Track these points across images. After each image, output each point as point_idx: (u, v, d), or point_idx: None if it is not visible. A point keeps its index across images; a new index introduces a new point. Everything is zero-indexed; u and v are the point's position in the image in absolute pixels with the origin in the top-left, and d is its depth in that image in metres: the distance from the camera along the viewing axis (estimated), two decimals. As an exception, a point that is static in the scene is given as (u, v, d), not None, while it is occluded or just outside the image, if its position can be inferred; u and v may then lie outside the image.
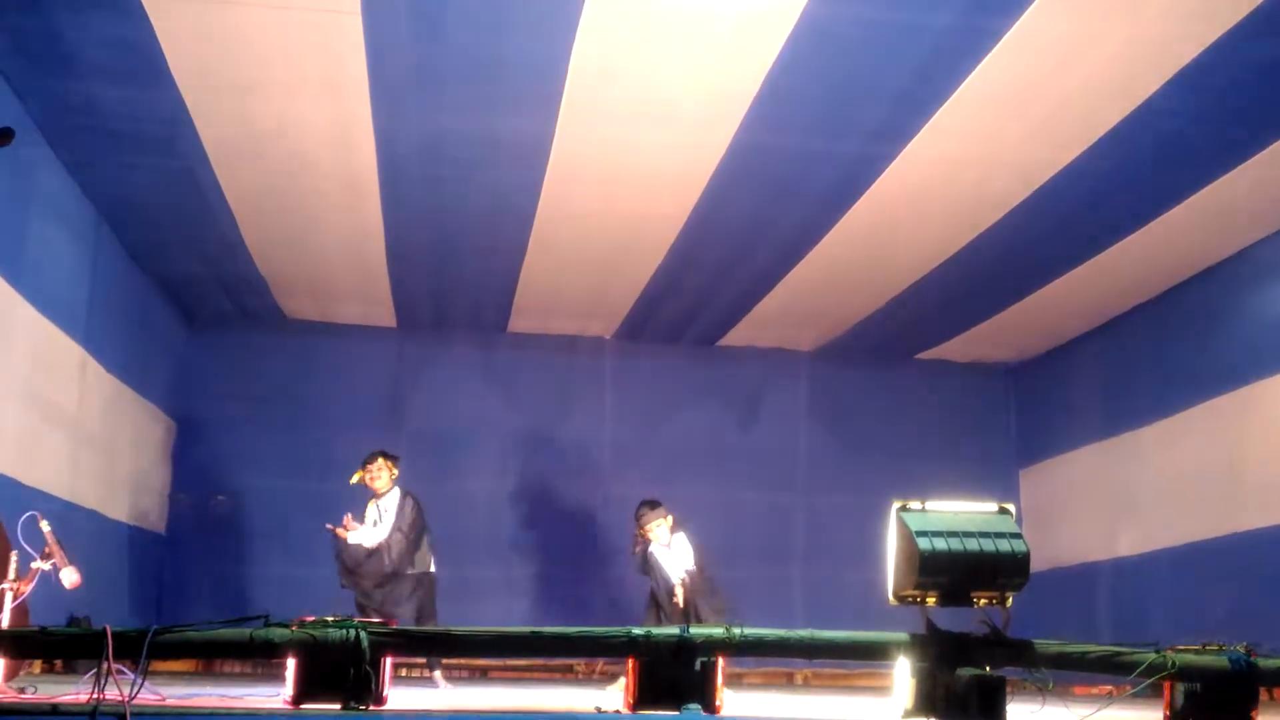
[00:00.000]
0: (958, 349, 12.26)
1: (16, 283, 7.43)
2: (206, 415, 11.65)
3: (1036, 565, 11.28)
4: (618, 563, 11.41)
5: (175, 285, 10.88)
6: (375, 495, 8.66)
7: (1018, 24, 6.23)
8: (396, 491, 8.67)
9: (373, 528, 8.55)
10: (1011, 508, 4.55)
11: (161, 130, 7.63)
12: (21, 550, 5.47)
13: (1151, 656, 4.49)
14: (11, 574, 5.26)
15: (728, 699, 4.42)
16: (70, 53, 6.70)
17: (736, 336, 12.08)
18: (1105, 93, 6.95)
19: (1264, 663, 4.59)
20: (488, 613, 10.80)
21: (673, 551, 8.62)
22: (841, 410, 12.48)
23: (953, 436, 12.32)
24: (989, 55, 6.55)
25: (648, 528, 8.64)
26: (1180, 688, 4.57)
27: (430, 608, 8.52)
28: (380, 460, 8.68)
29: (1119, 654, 4.56)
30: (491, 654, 7.51)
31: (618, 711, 4.28)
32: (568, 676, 10.57)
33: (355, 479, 8.71)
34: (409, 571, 8.53)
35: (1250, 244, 9.08)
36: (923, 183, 8.20)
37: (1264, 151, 7.52)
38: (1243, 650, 4.59)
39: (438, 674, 8.44)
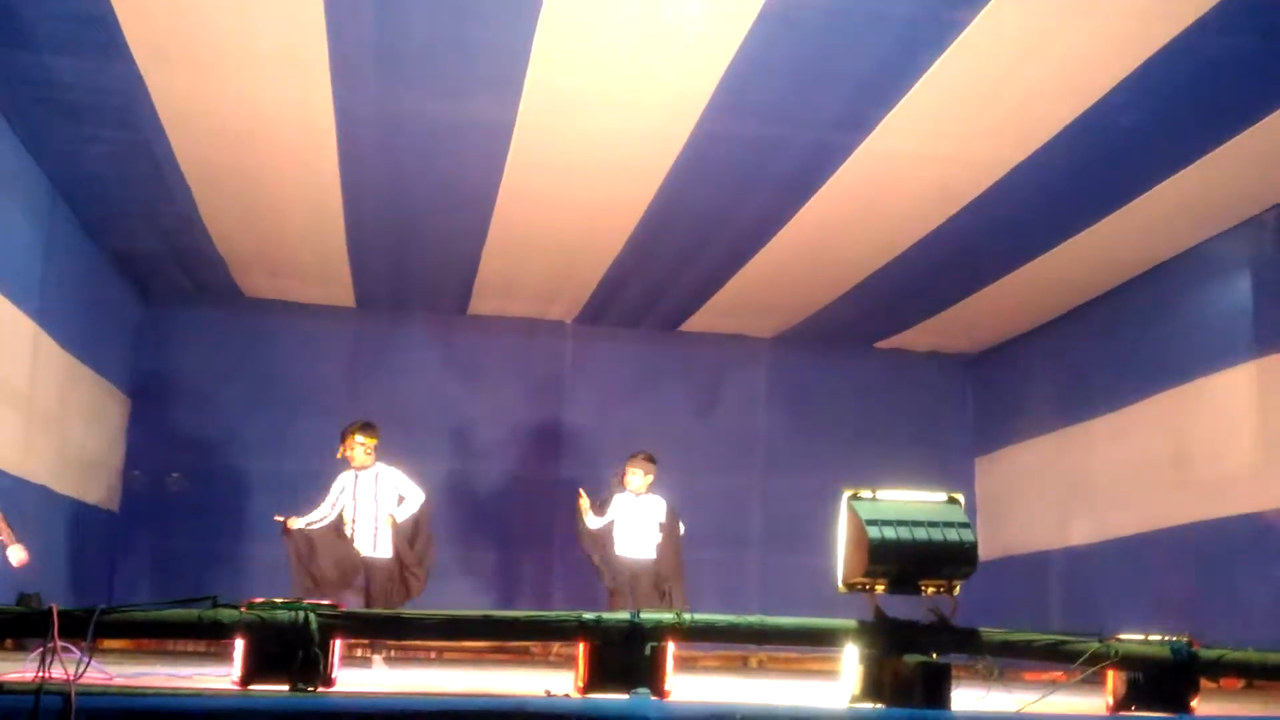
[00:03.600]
0: (916, 338, 12.35)
1: (-33, 256, 7.35)
2: (162, 393, 11.55)
3: (990, 553, 11.58)
4: (576, 547, 11.46)
5: (132, 261, 10.76)
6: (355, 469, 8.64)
7: (978, 18, 6.27)
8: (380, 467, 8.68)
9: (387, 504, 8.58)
10: (961, 498, 4.58)
11: (118, 104, 7.53)
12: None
13: (1094, 645, 4.54)
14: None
15: (680, 683, 4.44)
16: (25, 25, 6.60)
17: (697, 322, 12.11)
18: (1062, 89, 7.02)
19: (1205, 653, 4.66)
20: (445, 595, 10.81)
21: (638, 505, 9.08)
22: (801, 397, 12.55)
23: (910, 424, 12.42)
24: (949, 49, 6.59)
25: (627, 469, 9.13)
26: (1123, 676, 4.64)
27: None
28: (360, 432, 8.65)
29: (1063, 643, 4.61)
30: (442, 637, 7.50)
31: (567, 695, 4.29)
32: (523, 659, 10.58)
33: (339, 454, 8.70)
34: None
35: (1201, 241, 9.21)
36: (882, 174, 8.25)
37: (1216, 150, 7.62)
38: (1185, 641, 4.65)
39: (377, 656, 8.41)
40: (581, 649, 4.37)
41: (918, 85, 6.99)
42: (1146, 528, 9.72)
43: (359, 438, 8.58)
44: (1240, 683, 6.77)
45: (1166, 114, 7.24)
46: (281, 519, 8.49)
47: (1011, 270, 10.06)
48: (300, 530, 8.45)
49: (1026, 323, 11.62)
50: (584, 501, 9.18)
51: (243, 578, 9.90)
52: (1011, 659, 4.78)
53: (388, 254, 10.44)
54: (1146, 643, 4.66)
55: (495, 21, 6.48)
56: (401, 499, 8.69)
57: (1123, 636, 4.73)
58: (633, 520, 9.15)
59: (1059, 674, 5.23)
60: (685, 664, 4.55)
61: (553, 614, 4.52)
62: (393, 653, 8.79)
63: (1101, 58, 6.65)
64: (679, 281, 10.87)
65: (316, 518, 8.55)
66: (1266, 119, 7.19)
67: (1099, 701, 4.81)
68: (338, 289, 11.45)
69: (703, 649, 10.12)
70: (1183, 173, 7.97)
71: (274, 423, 11.47)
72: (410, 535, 8.70)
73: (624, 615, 4.40)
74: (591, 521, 9.18)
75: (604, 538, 9.20)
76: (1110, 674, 4.69)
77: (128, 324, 11.38)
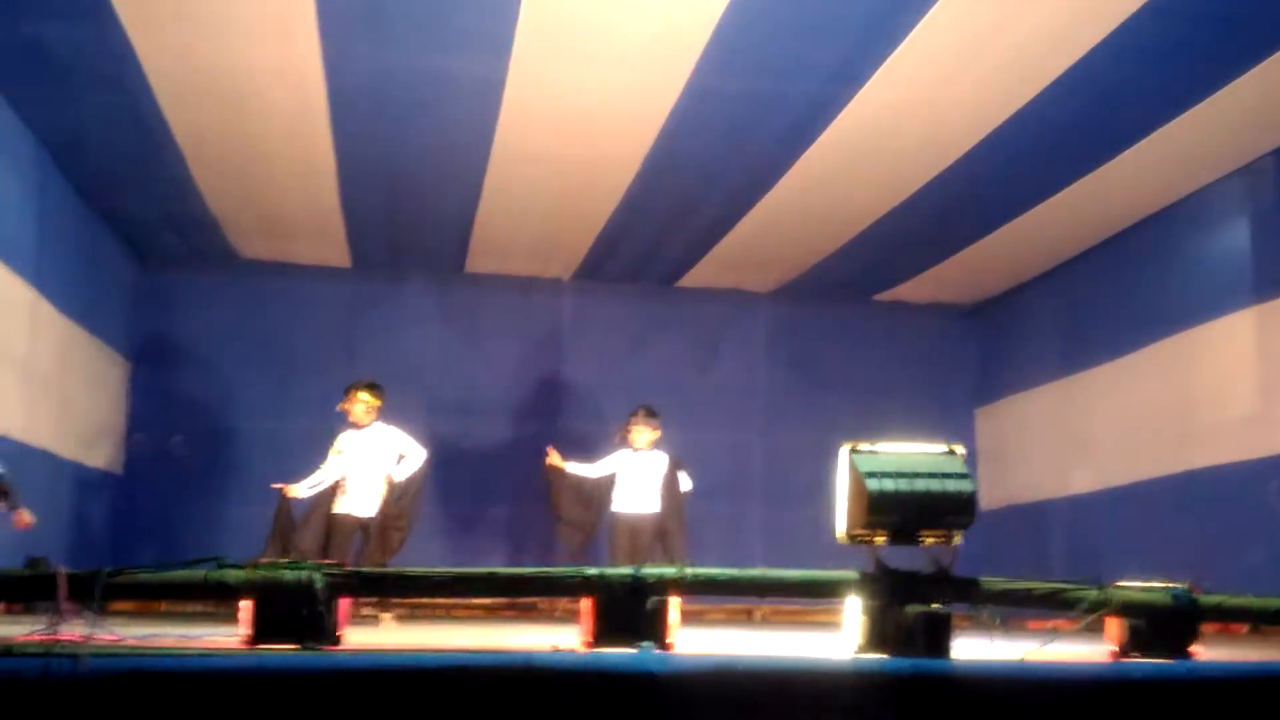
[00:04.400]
0: (915, 290, 12.33)
1: (-38, 222, 7.32)
2: (162, 355, 11.56)
3: (992, 503, 11.61)
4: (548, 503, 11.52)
5: (127, 225, 10.72)
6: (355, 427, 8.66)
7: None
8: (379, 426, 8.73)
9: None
10: (961, 449, 4.59)
11: (107, 67, 7.48)
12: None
13: (1094, 593, 4.57)
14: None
15: (685, 636, 4.47)
16: (14, -11, 6.56)
17: (695, 277, 12.08)
18: (1055, 37, 6.97)
19: (1205, 599, 4.69)
20: (450, 553, 10.87)
21: (640, 460, 9.16)
22: (800, 350, 12.55)
23: (910, 376, 12.43)
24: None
25: (631, 426, 9.19)
26: (1124, 623, 4.67)
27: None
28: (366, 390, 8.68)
29: (1062, 590, 4.64)
30: (448, 595, 7.55)
31: (573, 650, 4.32)
32: (531, 615, 10.64)
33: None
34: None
35: (1201, 186, 9.17)
36: (878, 125, 8.20)
37: (1213, 95, 7.58)
38: (1185, 587, 4.68)
39: (386, 615, 8.48)
40: (586, 604, 4.41)
41: (911, 35, 6.94)
42: (1148, 475, 9.74)
43: (362, 394, 8.64)
44: (1245, 628, 6.83)
45: (1160, 62, 7.20)
46: (279, 486, 8.53)
47: (1010, 219, 10.03)
48: (289, 501, 8.50)
49: (1026, 272, 11.60)
50: (555, 456, 9.23)
51: (246, 539, 9.87)
52: (1012, 607, 4.81)
53: (382, 213, 10.41)
54: (1147, 590, 4.69)
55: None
56: (401, 457, 8.73)
57: (1123, 584, 4.76)
58: (634, 476, 9.20)
59: (1062, 622, 5.27)
60: (691, 618, 4.58)
61: (557, 570, 4.54)
62: (402, 611, 8.86)
63: (1094, 6, 6.60)
64: (676, 236, 10.84)
65: (316, 480, 8.59)
66: (1260, 65, 7.15)
67: (1102, 649, 4.85)
68: (333, 249, 11.42)
69: (708, 603, 10.17)
70: (1179, 119, 7.93)
71: (273, 384, 11.48)
72: (399, 491, 8.72)
73: (627, 570, 4.43)
74: (590, 470, 9.21)
75: (604, 490, 9.25)
76: (1112, 621, 4.72)
77: (125, 288, 11.36)
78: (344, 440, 8.72)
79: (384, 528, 8.63)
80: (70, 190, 9.51)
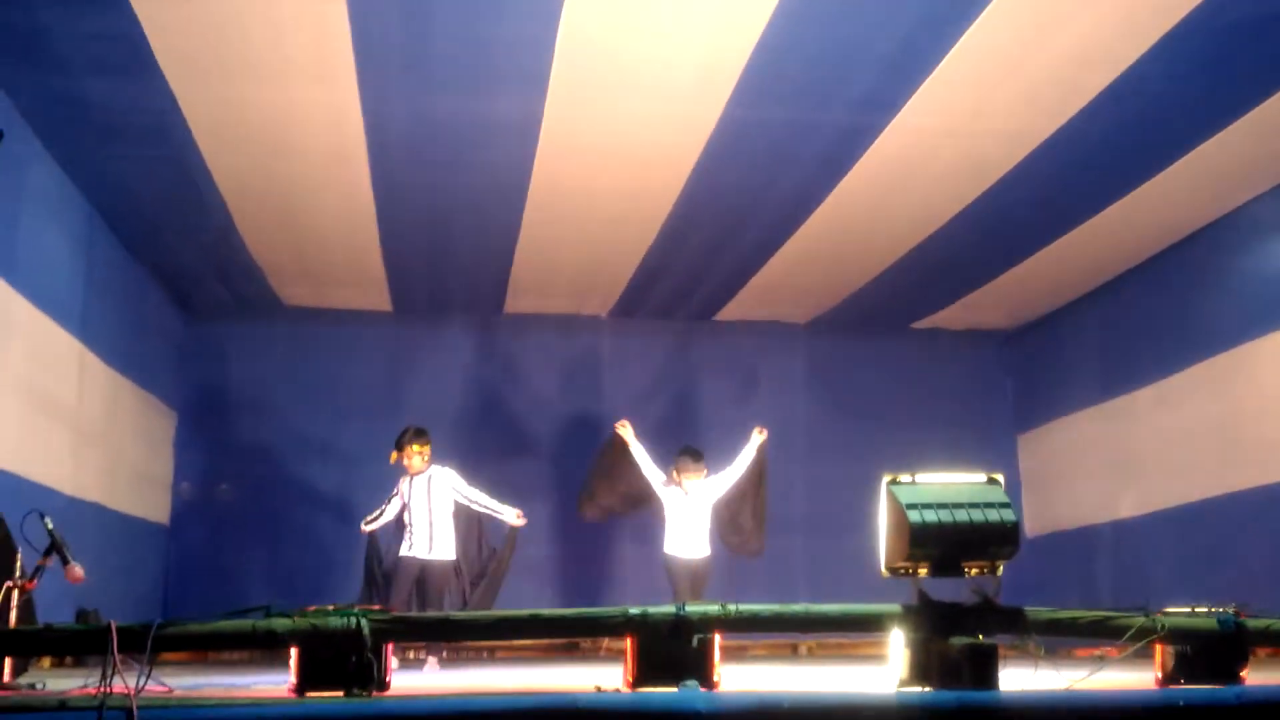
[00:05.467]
0: (953, 317, 12.29)
1: (12, 278, 7.47)
2: (208, 405, 11.72)
3: (1036, 529, 11.51)
4: (620, 540, 11.52)
5: (172, 276, 10.90)
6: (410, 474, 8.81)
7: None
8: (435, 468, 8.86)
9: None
10: (1001, 478, 4.59)
11: (151, 120, 7.64)
12: (26, 548, 5.52)
13: (1141, 620, 4.54)
14: (18, 573, 5.31)
15: (728, 672, 4.48)
16: (57, 47, 6.72)
17: (732, 311, 12.11)
18: (1092, 56, 6.95)
19: (1253, 623, 4.65)
20: (500, 593, 10.88)
21: (689, 503, 9.03)
22: (839, 382, 12.53)
23: (950, 404, 12.37)
24: (975, 22, 6.55)
25: (679, 473, 9.04)
26: (1171, 650, 4.63)
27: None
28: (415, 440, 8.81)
29: (1109, 619, 4.61)
30: (491, 637, 7.60)
31: (617, 690, 4.34)
32: (573, 654, 10.65)
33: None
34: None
35: (1242, 203, 9.10)
36: (912, 152, 8.22)
37: (1252, 111, 7.53)
38: (1232, 612, 4.64)
39: (431, 658, 8.58)
40: (629, 643, 4.42)
41: (946, 59, 6.95)
42: (1194, 498, 9.63)
43: (414, 447, 8.71)
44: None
45: (1199, 78, 7.16)
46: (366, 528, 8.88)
47: (1049, 242, 9.99)
48: (378, 544, 8.82)
49: (1065, 295, 11.54)
50: (628, 428, 9.21)
51: (293, 585, 10.04)
52: (1058, 637, 4.78)
53: (422, 256, 10.52)
54: (1193, 615, 4.65)
55: (518, 15, 6.50)
56: (459, 495, 8.85)
57: (1170, 610, 4.73)
58: (685, 519, 9.04)
59: (1109, 649, 5.22)
60: (734, 653, 4.59)
61: (599, 610, 4.56)
62: (445, 654, 8.91)
63: (1131, 23, 6.57)
64: (712, 270, 10.88)
65: (374, 515, 8.82)
66: (1303, 77, 7.11)
67: (1148, 676, 4.81)
68: (375, 294, 11.55)
69: (751, 638, 10.14)
70: (1219, 136, 7.87)
71: (318, 430, 11.60)
72: (475, 545, 8.97)
73: (670, 609, 4.44)
74: (647, 462, 9.15)
75: (638, 490, 9.30)
76: (1158, 648, 4.68)
77: (171, 339, 11.54)
78: (401, 485, 8.82)
79: (462, 585, 8.87)
80: (116, 244, 9.70)
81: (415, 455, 8.68)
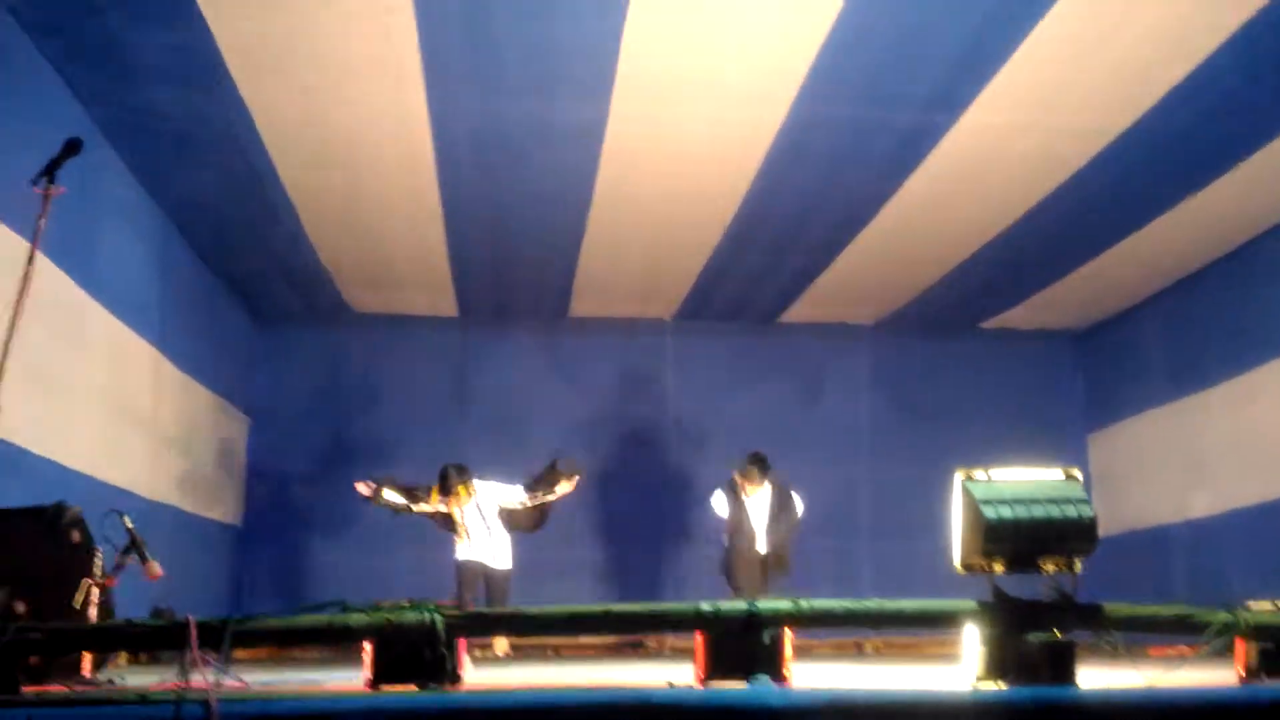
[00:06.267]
0: (1021, 316, 12.15)
1: (90, 287, 7.62)
2: (279, 409, 11.89)
3: (1109, 530, 11.32)
4: (685, 542, 11.51)
5: (243, 283, 11.08)
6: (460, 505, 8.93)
7: (1070, -15, 6.17)
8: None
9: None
10: (1078, 473, 4.52)
11: (222, 131, 7.78)
12: (106, 547, 5.62)
13: (1223, 616, 4.46)
14: (98, 571, 5.41)
15: (797, 670, 4.46)
16: (131, 59, 6.86)
17: (797, 313, 12.07)
18: (1164, 51, 6.83)
19: (1339, 619, 4.54)
20: (559, 593, 10.93)
21: (752, 502, 9.23)
22: (906, 382, 12.44)
23: (1019, 404, 12.24)
24: (1043, 19, 6.48)
25: (744, 481, 9.23)
26: (1253, 646, 4.54)
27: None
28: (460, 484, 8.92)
29: (1190, 615, 4.53)
30: (564, 633, 7.62)
31: (689, 686, 4.33)
32: (639, 653, 10.64)
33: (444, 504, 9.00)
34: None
35: (1318, 197, 8.92)
36: (980, 151, 8.14)
37: (1327, 105, 7.39)
38: (1314, 605, 4.55)
39: (499, 653, 8.76)
40: (699, 640, 4.41)
41: (1015, 56, 6.87)
42: (1270, 497, 9.45)
43: (460, 488, 8.86)
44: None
45: (1273, 71, 7.01)
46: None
47: (1120, 240, 9.85)
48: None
49: (1136, 294, 11.37)
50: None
51: (361, 587, 10.09)
52: (1138, 634, 4.71)
53: (488, 260, 10.59)
54: (1276, 611, 4.56)
55: (583, 19, 6.54)
56: (510, 504, 8.95)
57: (1252, 605, 4.64)
58: (750, 519, 9.26)
59: (1185, 649, 5.13)
60: (800, 652, 4.55)
61: (670, 605, 4.56)
62: (512, 651, 8.99)
63: (1204, 15, 6.46)
64: (777, 271, 10.84)
65: (385, 497, 8.97)
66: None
67: (1229, 674, 4.71)
68: (442, 299, 11.65)
69: (817, 636, 10.09)
70: (1293, 130, 7.73)
71: (387, 433, 11.70)
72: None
73: (741, 605, 4.43)
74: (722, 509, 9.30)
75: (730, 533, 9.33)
76: (1240, 644, 4.59)
77: (243, 344, 11.72)
78: (454, 509, 8.96)
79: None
80: (190, 253, 9.87)
81: (463, 494, 8.80)
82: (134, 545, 5.66)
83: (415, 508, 8.99)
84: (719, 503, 9.46)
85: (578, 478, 9.12)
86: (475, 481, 8.93)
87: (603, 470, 11.93)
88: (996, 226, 9.59)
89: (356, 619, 4.24)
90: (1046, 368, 12.65)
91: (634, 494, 11.93)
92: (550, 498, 9.05)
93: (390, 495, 8.92)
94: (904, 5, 6.44)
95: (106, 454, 7.92)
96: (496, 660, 8.60)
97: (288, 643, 6.31)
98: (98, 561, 5.41)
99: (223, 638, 4.16)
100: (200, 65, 6.89)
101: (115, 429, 8.23)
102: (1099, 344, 12.46)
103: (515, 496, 8.99)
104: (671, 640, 10.03)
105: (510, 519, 9.09)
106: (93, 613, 5.33)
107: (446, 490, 8.82)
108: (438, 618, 4.23)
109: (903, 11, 6.48)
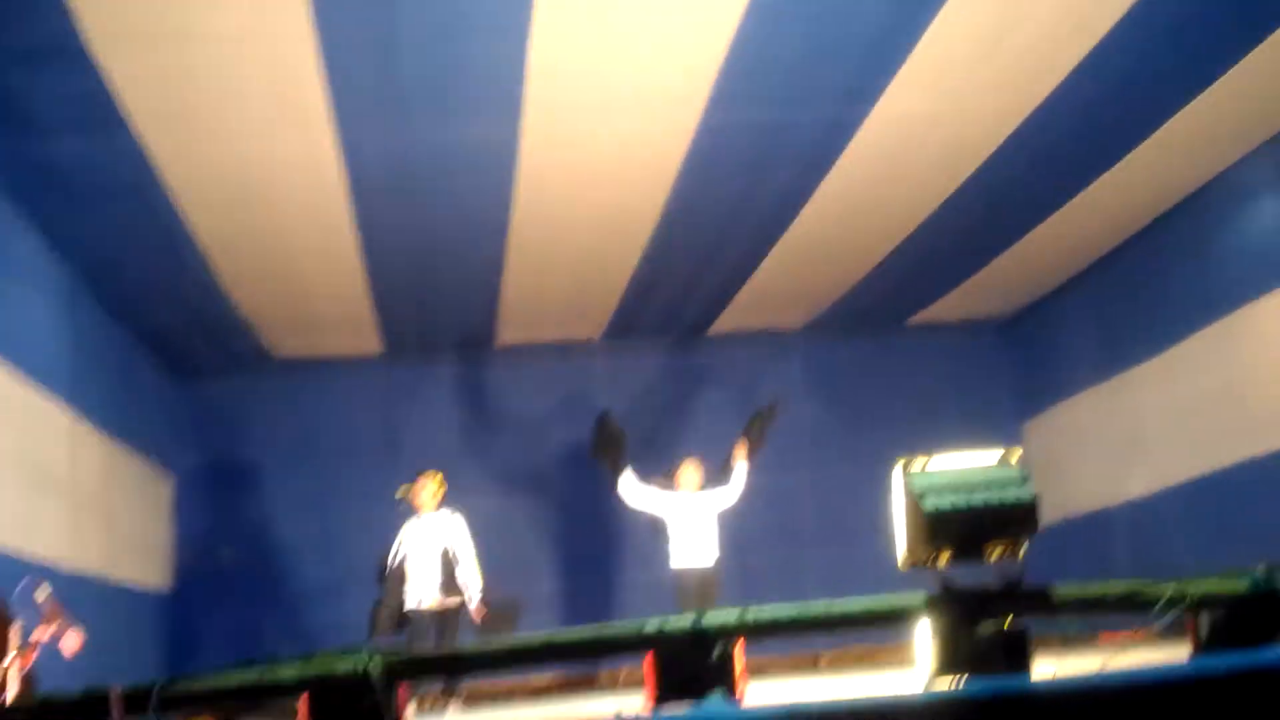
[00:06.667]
0: (948, 308, 12.20)
1: (-3, 350, 7.34)
2: (205, 465, 11.59)
3: (1050, 518, 11.18)
4: (633, 566, 11.36)
5: (159, 337, 10.77)
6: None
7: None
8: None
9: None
10: (1017, 451, 4.48)
11: (127, 179, 7.51)
12: (22, 621, 5.39)
13: (1171, 589, 4.42)
14: (14, 647, 5.18)
15: (752, 689, 4.34)
16: (28, 109, 6.59)
17: (726, 323, 12.01)
18: (1065, 31, 6.84)
19: (1285, 582, 4.52)
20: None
21: (692, 505, 9.10)
22: (839, 384, 12.43)
23: (953, 397, 12.27)
24: (946, 4, 6.47)
25: (679, 469, 9.20)
26: (1204, 618, 4.51)
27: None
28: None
29: (1137, 591, 4.49)
30: (508, 667, 7.43)
31: (638, 715, 4.21)
32: (593, 686, 10.49)
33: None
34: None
35: (1228, 166, 9.01)
36: (895, 142, 8.11)
37: (1228, 73, 7.45)
38: (1262, 571, 4.51)
39: (451, 704, 8.39)
40: (649, 661, 4.29)
41: (919, 45, 6.84)
42: (1208, 469, 9.50)
43: (431, 485, 8.66)
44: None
45: (1174, 43, 7.07)
46: None
47: (1038, 223, 9.90)
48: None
49: (1060, 275, 11.45)
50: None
51: (303, 645, 9.87)
52: (1088, 618, 4.66)
53: (410, 295, 10.42)
54: (1223, 579, 4.53)
55: (487, 41, 6.40)
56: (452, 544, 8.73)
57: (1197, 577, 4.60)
58: (687, 525, 9.02)
59: (1136, 633, 5.10)
60: (754, 670, 4.44)
61: (616, 626, 4.44)
62: (464, 698, 8.76)
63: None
64: (703, 282, 10.78)
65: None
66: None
67: (1182, 651, 4.67)
68: (365, 338, 11.45)
69: (770, 653, 10.01)
70: (1198, 99, 7.79)
71: (318, 482, 11.48)
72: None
73: (686, 620, 4.31)
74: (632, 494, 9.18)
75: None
76: (1191, 616, 4.56)
77: (163, 401, 11.41)
78: (405, 530, 8.71)
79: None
80: (100, 308, 9.55)
81: (432, 488, 8.59)
82: (52, 616, 5.44)
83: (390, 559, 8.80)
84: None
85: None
86: (446, 511, 8.76)
87: (542, 501, 11.77)
88: (915, 219, 9.60)
89: (286, 672, 4.07)
90: (977, 358, 12.70)
91: (576, 522, 11.77)
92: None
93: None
94: (806, 3, 6.38)
95: (22, 524, 7.60)
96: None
97: (218, 703, 6.10)
98: (13, 637, 5.20)
99: (148, 703, 3.99)
100: (100, 113, 6.63)
101: (30, 497, 7.90)
102: (1027, 330, 12.54)
103: (462, 548, 8.78)
104: (625, 673, 9.88)
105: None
106: (12, 690, 5.11)
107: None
108: (372, 663, 4.07)
109: (806, 8, 6.42)
